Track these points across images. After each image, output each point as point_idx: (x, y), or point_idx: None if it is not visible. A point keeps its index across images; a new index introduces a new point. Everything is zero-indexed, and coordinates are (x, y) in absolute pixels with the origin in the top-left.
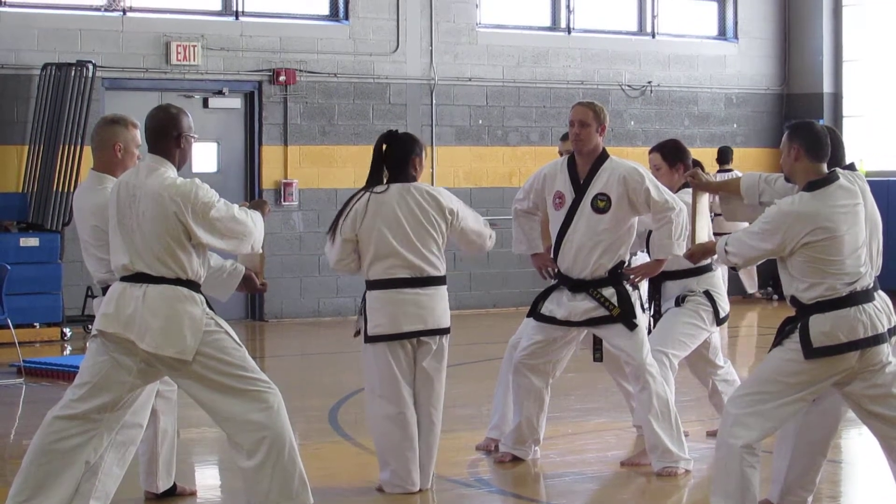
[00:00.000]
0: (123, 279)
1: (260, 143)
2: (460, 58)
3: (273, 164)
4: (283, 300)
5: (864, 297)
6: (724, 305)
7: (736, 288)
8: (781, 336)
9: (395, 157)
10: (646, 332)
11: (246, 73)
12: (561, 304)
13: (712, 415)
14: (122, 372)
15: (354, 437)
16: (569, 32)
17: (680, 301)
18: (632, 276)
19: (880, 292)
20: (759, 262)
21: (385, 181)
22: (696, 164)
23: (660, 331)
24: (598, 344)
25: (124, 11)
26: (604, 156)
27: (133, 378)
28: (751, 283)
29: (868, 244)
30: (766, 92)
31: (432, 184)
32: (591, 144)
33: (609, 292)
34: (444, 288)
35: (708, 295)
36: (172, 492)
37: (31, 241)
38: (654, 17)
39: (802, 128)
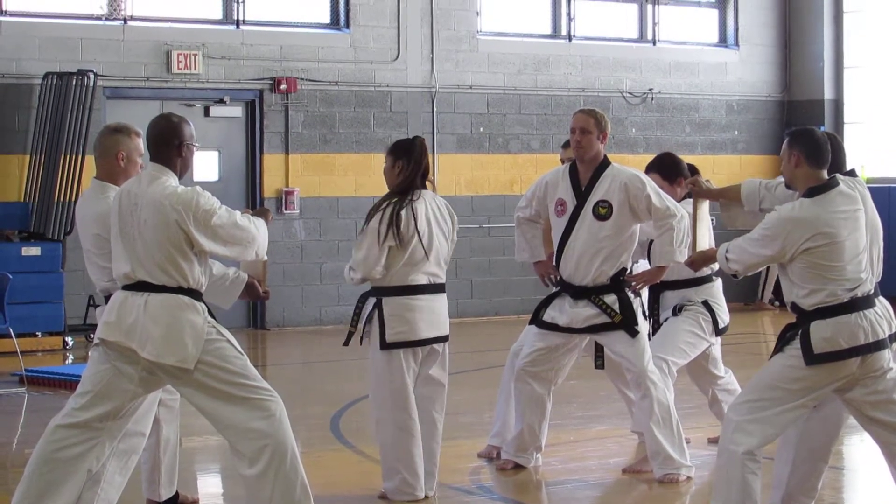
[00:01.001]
0: (125, 288)
1: (261, 152)
2: (461, 65)
3: (274, 173)
4: (285, 308)
5: (864, 303)
6: (724, 316)
7: (736, 295)
8: (782, 342)
9: (425, 165)
10: (647, 339)
11: (247, 81)
12: (563, 312)
13: (713, 422)
14: (124, 380)
15: (356, 445)
16: (570, 40)
17: (677, 310)
18: (633, 283)
19: (881, 298)
20: (760, 269)
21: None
22: (694, 170)
23: (660, 338)
24: (599, 351)
25: (125, 20)
26: (605, 163)
27: (135, 386)
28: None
29: (868, 250)
30: (767, 99)
31: (434, 192)
32: (593, 152)
33: (611, 299)
34: (446, 295)
35: (707, 305)
36: (175, 500)
37: (33, 251)
38: (654, 24)
39: (803, 134)
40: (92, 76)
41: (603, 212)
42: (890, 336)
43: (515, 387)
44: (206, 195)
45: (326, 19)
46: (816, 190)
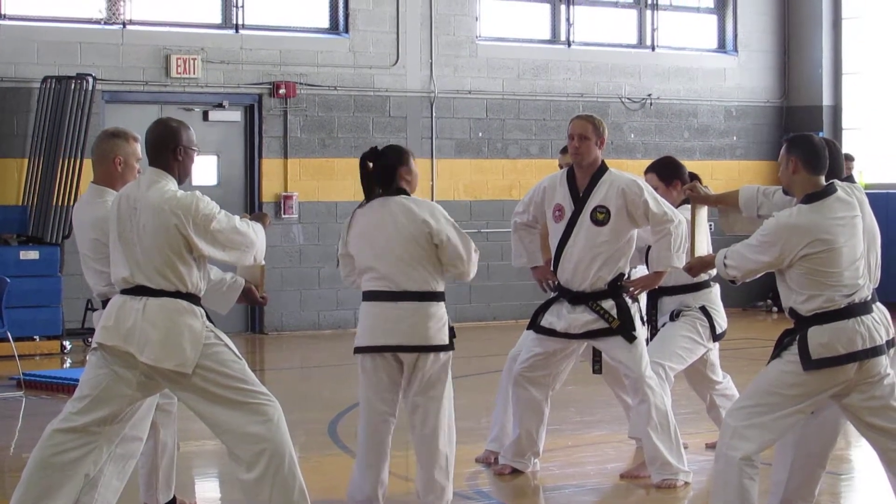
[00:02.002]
0: (123, 292)
1: (260, 156)
2: (460, 71)
3: (273, 177)
4: (283, 313)
5: (862, 308)
6: (721, 322)
7: (734, 301)
8: (780, 348)
9: (380, 173)
10: (645, 344)
11: (246, 86)
12: (561, 317)
13: (711, 427)
14: (122, 385)
15: (354, 450)
16: (569, 45)
17: (675, 316)
18: (631, 289)
19: (878, 304)
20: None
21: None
22: (694, 177)
23: (658, 343)
24: (597, 356)
25: (124, 24)
26: (603, 168)
27: (133, 391)
28: None
29: (866, 256)
30: (766, 104)
31: (432, 197)
32: (591, 157)
33: (609, 304)
34: (431, 304)
35: (704, 311)
36: None
37: (31, 255)
38: (653, 29)
39: (800, 140)
40: (91, 80)
41: (601, 217)
42: (887, 342)
43: (513, 392)
44: (206, 200)
45: (325, 24)
46: (814, 196)
